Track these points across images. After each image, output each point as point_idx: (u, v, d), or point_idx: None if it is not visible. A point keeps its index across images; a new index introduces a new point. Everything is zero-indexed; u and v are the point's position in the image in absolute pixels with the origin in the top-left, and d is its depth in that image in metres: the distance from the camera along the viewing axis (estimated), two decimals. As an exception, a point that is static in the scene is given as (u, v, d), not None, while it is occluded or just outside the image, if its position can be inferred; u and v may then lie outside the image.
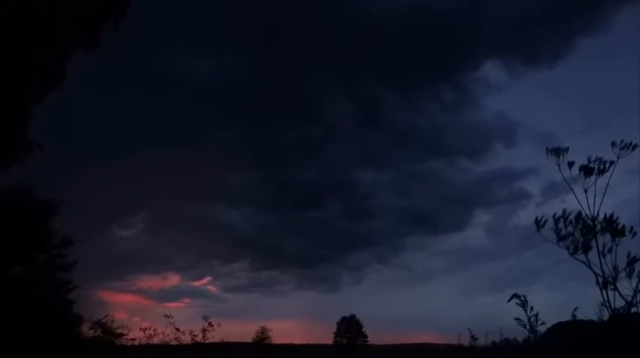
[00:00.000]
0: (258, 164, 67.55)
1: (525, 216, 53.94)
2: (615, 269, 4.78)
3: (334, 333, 35.12)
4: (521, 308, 5.44)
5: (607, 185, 5.01)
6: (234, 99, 57.45)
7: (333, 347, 34.28)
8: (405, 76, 62.97)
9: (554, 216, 5.02)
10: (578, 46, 65.54)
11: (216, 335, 21.80)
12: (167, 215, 61.48)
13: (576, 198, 5.07)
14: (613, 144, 5.03)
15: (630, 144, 5.00)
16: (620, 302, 4.83)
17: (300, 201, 59.67)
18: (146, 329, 21.34)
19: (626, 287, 4.73)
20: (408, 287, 64.33)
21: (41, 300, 16.67)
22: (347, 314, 35.43)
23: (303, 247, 58.37)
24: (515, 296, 5.42)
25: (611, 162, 5.05)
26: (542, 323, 5.56)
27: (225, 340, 22.61)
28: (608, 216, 4.90)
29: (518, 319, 5.54)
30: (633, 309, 4.79)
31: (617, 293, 4.82)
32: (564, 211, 5.00)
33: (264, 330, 29.95)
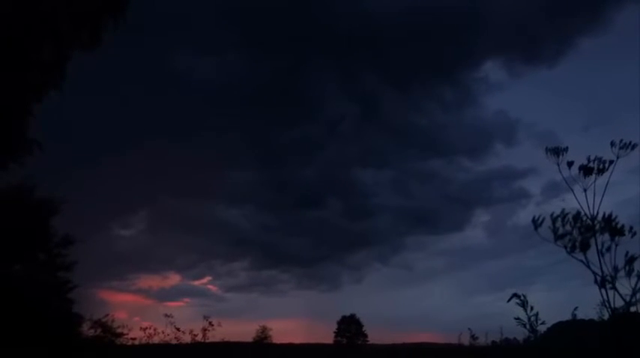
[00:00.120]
0: (258, 163, 67.59)
1: (525, 215, 53.86)
2: (615, 268, 4.78)
3: (334, 333, 35.14)
4: (521, 308, 5.46)
5: (606, 184, 5.02)
6: (235, 98, 57.52)
7: (334, 346, 34.26)
8: (405, 75, 62.90)
9: (551, 215, 5.02)
10: (579, 45, 65.38)
11: (216, 335, 21.86)
12: (167, 214, 61.50)
13: (576, 197, 5.08)
14: (612, 143, 5.03)
15: (630, 143, 5.01)
16: (619, 302, 4.84)
17: (300, 200, 59.67)
18: (146, 328, 21.46)
19: (625, 286, 4.73)
20: (408, 286, 64.49)
21: (41, 300, 16.66)
22: (347, 314, 35.48)
23: (303, 246, 58.37)
24: (515, 295, 5.43)
25: (611, 162, 5.06)
26: (542, 323, 5.57)
27: (225, 339, 22.66)
28: (606, 215, 4.90)
29: (518, 318, 5.56)
30: (632, 309, 4.79)
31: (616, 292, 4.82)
32: (563, 210, 5.01)
33: (264, 330, 29.92)
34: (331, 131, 62.22)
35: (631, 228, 4.81)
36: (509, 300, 5.40)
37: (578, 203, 5.04)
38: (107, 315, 19.58)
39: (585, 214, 4.98)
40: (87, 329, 19.01)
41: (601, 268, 4.84)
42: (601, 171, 5.04)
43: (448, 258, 67.97)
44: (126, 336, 20.05)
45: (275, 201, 66.81)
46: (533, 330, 5.54)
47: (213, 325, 21.81)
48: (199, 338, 21.63)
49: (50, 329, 16.23)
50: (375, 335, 35.68)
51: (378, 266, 67.07)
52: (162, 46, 48.88)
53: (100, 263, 38.19)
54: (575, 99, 72.90)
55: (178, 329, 21.46)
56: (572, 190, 5.11)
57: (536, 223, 5.01)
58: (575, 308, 6.56)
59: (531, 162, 51.70)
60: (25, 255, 17.27)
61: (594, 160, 5.08)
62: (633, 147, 4.99)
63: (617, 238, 4.81)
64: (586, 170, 5.07)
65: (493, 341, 19.33)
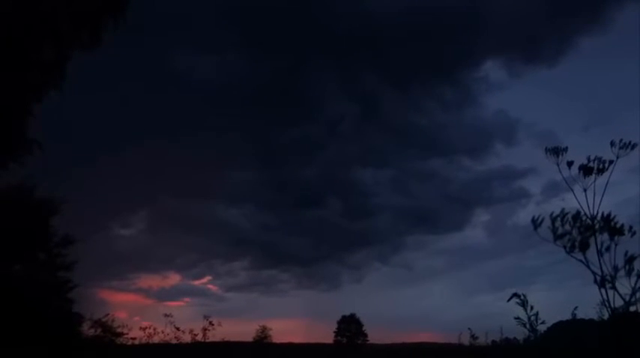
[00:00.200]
0: (258, 163, 67.61)
1: (525, 215, 53.66)
2: (614, 268, 4.78)
3: (334, 332, 35.13)
4: (521, 308, 5.46)
5: (606, 184, 5.02)
6: (235, 98, 57.52)
7: (334, 346, 34.26)
8: (405, 75, 62.87)
9: (551, 214, 5.03)
10: (579, 45, 65.35)
11: (216, 335, 21.89)
12: (167, 214, 61.49)
13: (575, 197, 5.08)
14: (612, 143, 5.03)
15: (630, 143, 5.01)
16: (619, 302, 4.84)
17: (300, 199, 59.65)
18: (146, 328, 21.50)
19: (625, 286, 4.73)
20: (408, 286, 64.48)
21: (41, 299, 16.66)
22: (347, 313, 35.48)
23: (303, 246, 58.31)
24: (515, 295, 5.43)
25: (611, 162, 5.06)
26: (542, 323, 5.58)
27: (225, 339, 22.68)
28: (605, 214, 4.90)
29: (518, 318, 5.56)
30: (632, 308, 4.79)
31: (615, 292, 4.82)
32: (562, 210, 5.01)
33: (264, 329, 29.93)
34: (331, 131, 62.23)
35: (630, 227, 4.81)
36: (509, 300, 5.40)
37: (578, 203, 5.05)
38: (107, 315, 19.65)
39: (585, 214, 4.99)
40: (87, 329, 19.06)
41: (601, 268, 4.84)
42: (601, 171, 5.04)
43: (448, 258, 67.94)
44: (126, 336, 20.11)
45: (275, 200, 66.98)
46: (533, 330, 5.55)
47: (213, 325, 21.87)
48: (199, 337, 21.68)
49: (50, 329, 16.23)
50: (375, 334, 35.68)
51: (378, 265, 67.02)
52: (162, 45, 48.89)
53: (100, 262, 38.24)
54: (575, 99, 72.84)
55: (178, 329, 21.53)
56: (572, 190, 5.12)
57: (536, 223, 5.01)
58: (575, 308, 6.58)
59: (531, 161, 51.69)
60: (25, 255, 17.27)
61: (594, 160, 5.08)
62: (633, 146, 4.99)
63: (616, 238, 4.80)
64: (586, 170, 5.07)
65: (493, 341, 19.33)
